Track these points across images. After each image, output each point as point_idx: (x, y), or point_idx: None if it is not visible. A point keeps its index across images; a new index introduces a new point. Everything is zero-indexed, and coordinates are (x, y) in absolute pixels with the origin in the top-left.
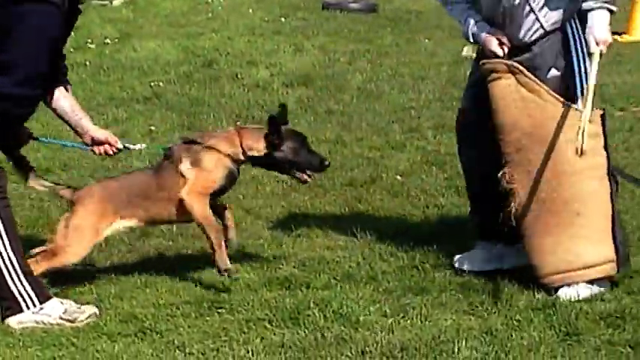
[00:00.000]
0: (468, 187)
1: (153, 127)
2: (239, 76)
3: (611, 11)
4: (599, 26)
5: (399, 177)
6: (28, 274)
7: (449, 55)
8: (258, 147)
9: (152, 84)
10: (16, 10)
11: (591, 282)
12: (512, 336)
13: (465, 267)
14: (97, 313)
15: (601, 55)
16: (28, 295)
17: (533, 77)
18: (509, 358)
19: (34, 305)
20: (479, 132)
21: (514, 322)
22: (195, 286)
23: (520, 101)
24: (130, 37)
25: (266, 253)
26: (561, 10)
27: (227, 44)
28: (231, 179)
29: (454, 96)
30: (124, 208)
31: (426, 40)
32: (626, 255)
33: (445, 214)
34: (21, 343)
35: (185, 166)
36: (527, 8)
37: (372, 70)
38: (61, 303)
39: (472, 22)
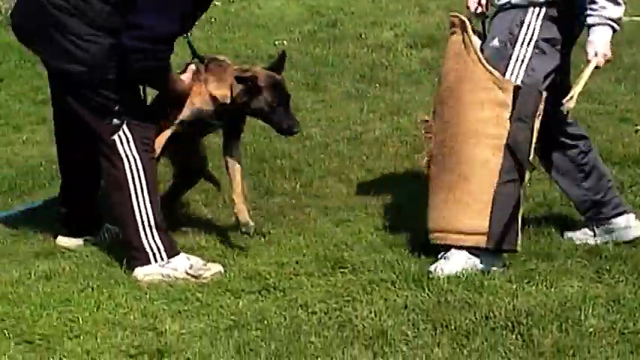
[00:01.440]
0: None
1: None
2: (363, 36)
3: (613, 29)
4: (599, 41)
5: None
6: (160, 227)
7: None
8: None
9: (276, 42)
10: None
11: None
12: None
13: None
14: (222, 271)
15: (598, 67)
16: (158, 248)
17: (473, 36)
18: (637, 327)
19: (162, 259)
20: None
21: None
22: (319, 245)
23: (456, 55)
24: None
25: (388, 215)
26: None
27: (351, 4)
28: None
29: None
30: None
31: None
32: (507, 234)
33: None
34: (147, 296)
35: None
36: None
37: None
38: (188, 259)
39: None
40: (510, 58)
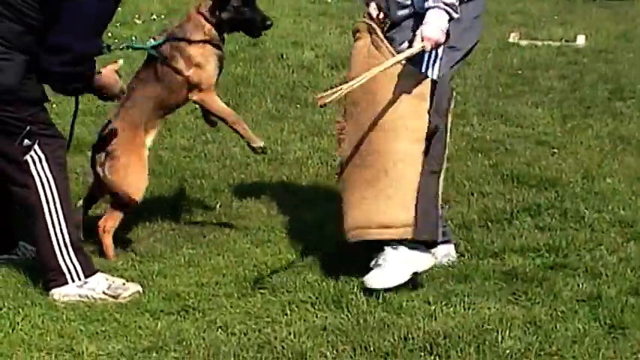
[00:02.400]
0: None
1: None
2: (284, 56)
3: (449, 15)
4: (431, 24)
5: None
6: (77, 246)
7: (495, 41)
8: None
9: None
10: None
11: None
12: (556, 327)
13: None
14: (141, 290)
15: (424, 49)
16: (75, 267)
17: (382, 37)
18: (552, 349)
19: (79, 279)
20: None
21: (558, 313)
22: (238, 266)
23: (367, 58)
24: (176, 13)
25: (309, 235)
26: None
27: (273, 24)
28: (222, 60)
29: (500, 82)
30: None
31: None
32: (433, 224)
33: (490, 202)
34: (64, 317)
35: (182, 66)
36: None
37: None
38: (106, 279)
39: None
40: (423, 56)
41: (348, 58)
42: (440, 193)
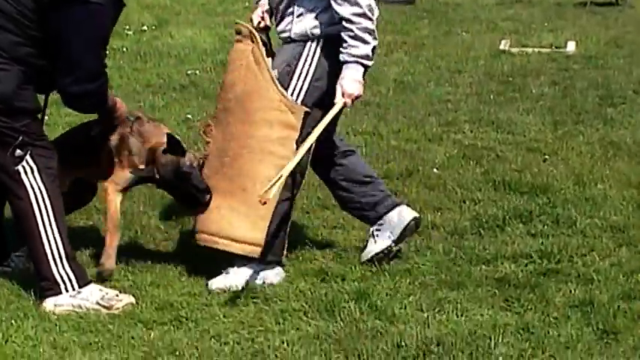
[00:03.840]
0: None
1: (189, 116)
2: None
3: (365, 66)
4: (349, 79)
5: (435, 170)
6: (70, 257)
7: (486, 49)
8: None
9: (189, 72)
10: (66, 12)
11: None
12: (548, 333)
13: None
14: (134, 301)
15: (345, 106)
16: (69, 277)
17: (264, 52)
18: (545, 355)
19: (73, 289)
20: None
21: (551, 318)
22: None
23: (245, 68)
24: (167, 24)
25: (301, 244)
26: (309, 29)
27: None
28: None
29: (491, 89)
30: None
31: (463, 33)
32: (280, 248)
33: (482, 209)
34: (57, 328)
35: None
36: (290, 11)
37: (409, 63)
38: (100, 289)
39: None
40: (287, 88)
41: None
42: (290, 216)
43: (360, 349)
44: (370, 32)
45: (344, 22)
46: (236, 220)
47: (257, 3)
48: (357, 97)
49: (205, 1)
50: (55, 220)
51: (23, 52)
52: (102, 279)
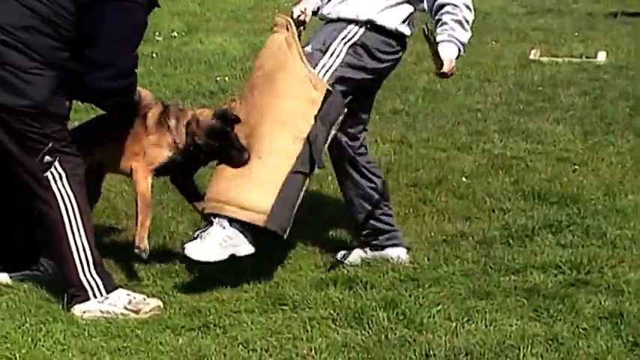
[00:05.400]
0: None
1: None
2: None
3: (459, 51)
4: (445, 55)
5: (464, 179)
6: (98, 263)
7: (516, 58)
8: None
9: (218, 78)
10: (104, 10)
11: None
12: (578, 344)
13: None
14: (161, 305)
15: (444, 75)
16: (96, 283)
17: (296, 35)
18: None
19: (101, 294)
20: None
21: (580, 330)
22: (259, 282)
23: (276, 49)
24: (197, 30)
25: (330, 251)
26: (356, 12)
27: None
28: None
29: (521, 99)
30: None
31: (493, 42)
32: (285, 221)
33: (511, 218)
34: (86, 333)
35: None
36: None
37: None
38: (127, 294)
39: None
40: (316, 65)
41: None
42: (301, 196)
43: (388, 358)
44: (469, 23)
45: (449, 8)
46: (249, 188)
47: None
48: (450, 72)
49: (235, 8)
50: (84, 226)
51: (59, 57)
52: (143, 260)
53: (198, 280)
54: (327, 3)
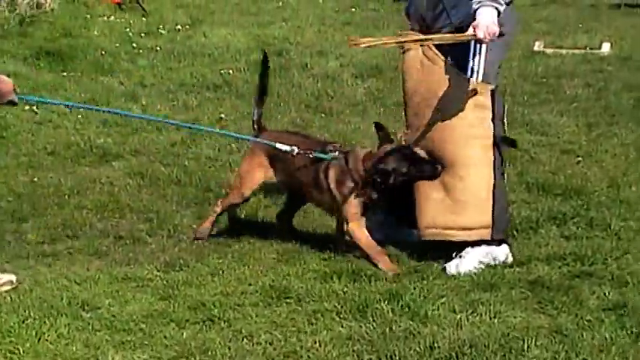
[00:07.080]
0: None
1: (223, 115)
2: (308, 66)
3: (497, 10)
4: (485, 20)
5: None
6: None
7: (520, 49)
8: None
9: (222, 71)
10: None
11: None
12: (582, 336)
13: None
14: (14, 280)
15: (479, 39)
16: None
17: (434, 48)
18: (579, 358)
19: None
20: None
21: (584, 321)
22: (264, 275)
23: (420, 68)
24: (201, 23)
25: (333, 244)
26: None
27: (297, 34)
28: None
29: (525, 90)
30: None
31: None
32: (506, 223)
33: (515, 210)
34: (90, 327)
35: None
36: (441, 6)
37: None
38: None
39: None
40: (466, 71)
41: (372, 67)
42: (507, 188)
43: (393, 350)
44: None
45: None
46: (461, 210)
47: (406, 14)
48: (493, 34)
49: (239, 1)
50: None
51: None
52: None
53: (203, 274)
54: (434, 19)
